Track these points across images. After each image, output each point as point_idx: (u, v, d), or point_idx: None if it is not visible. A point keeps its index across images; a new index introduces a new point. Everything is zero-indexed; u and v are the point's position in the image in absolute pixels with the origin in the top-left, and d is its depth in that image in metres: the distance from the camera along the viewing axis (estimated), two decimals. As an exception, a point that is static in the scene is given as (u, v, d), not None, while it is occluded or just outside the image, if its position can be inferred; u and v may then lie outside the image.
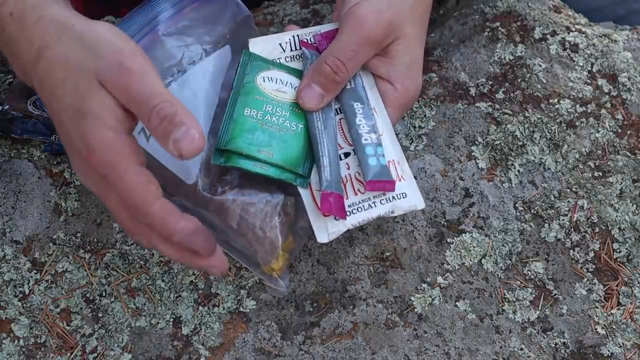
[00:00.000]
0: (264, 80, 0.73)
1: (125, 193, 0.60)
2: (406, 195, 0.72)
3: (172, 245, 0.63)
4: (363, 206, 0.71)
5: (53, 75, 0.62)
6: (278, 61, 0.75)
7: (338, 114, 0.74)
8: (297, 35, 0.76)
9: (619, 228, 0.82)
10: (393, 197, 0.71)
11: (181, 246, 0.62)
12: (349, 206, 0.70)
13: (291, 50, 0.76)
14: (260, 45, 0.75)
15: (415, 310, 0.78)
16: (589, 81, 0.89)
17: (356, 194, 0.71)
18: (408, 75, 0.75)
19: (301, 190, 0.71)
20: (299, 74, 0.74)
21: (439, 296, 0.78)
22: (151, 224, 0.61)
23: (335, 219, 0.69)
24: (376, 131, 0.72)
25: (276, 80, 0.73)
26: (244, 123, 0.71)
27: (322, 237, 0.70)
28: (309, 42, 0.76)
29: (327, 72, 0.72)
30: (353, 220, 0.70)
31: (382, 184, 0.70)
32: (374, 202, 0.71)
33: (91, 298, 0.76)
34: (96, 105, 0.61)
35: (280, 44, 0.75)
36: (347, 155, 0.72)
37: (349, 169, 0.72)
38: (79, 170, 0.64)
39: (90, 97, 0.61)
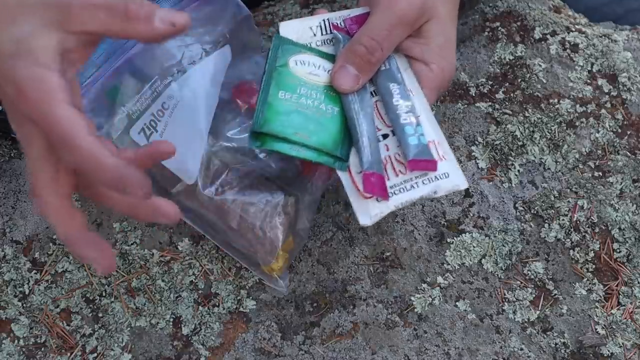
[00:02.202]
0: (297, 64, 0.72)
1: (52, 126, 0.55)
2: (448, 175, 0.70)
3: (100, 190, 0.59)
4: (405, 187, 0.68)
5: None
6: (309, 45, 0.74)
7: (373, 96, 0.72)
8: (328, 19, 0.75)
9: (619, 228, 0.82)
10: (435, 177, 0.69)
11: (112, 185, 0.56)
12: (391, 187, 0.68)
13: (322, 34, 0.74)
14: (290, 29, 0.74)
15: (415, 310, 0.78)
16: (589, 81, 0.89)
17: (397, 175, 0.69)
18: (443, 55, 0.74)
19: (340, 174, 0.69)
20: (331, 57, 0.73)
21: (439, 296, 0.78)
22: (78, 160, 0.55)
23: (377, 200, 0.68)
24: (414, 112, 0.71)
25: (309, 63, 0.72)
26: (278, 105, 0.69)
27: (365, 220, 0.67)
28: (340, 26, 0.75)
29: (362, 53, 0.70)
30: (396, 202, 0.68)
31: (424, 163, 0.68)
32: (416, 183, 0.69)
33: (91, 298, 0.76)
34: (35, 43, 0.57)
35: (310, 28, 0.74)
36: (385, 136, 0.71)
37: (388, 150, 0.70)
38: (11, 120, 0.59)
39: (33, 36, 0.57)
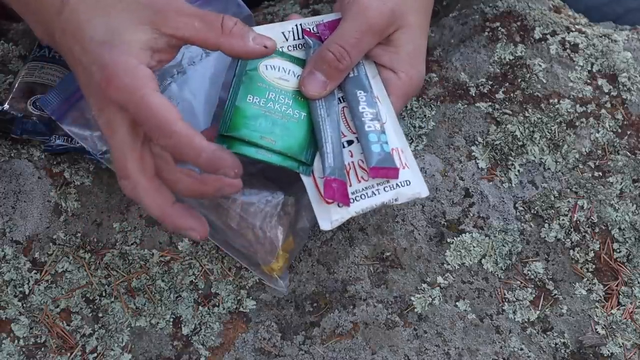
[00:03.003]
0: (267, 68, 0.73)
1: (148, 113, 0.59)
2: (410, 183, 0.71)
3: (187, 175, 0.64)
4: (366, 193, 0.70)
5: (77, 19, 0.62)
6: (280, 50, 0.75)
7: (341, 102, 0.74)
8: (300, 24, 0.76)
9: (619, 228, 0.82)
10: (397, 184, 0.71)
11: (208, 166, 0.61)
12: (352, 193, 0.70)
13: (294, 39, 0.75)
14: (263, 33, 0.75)
15: (415, 310, 0.78)
16: (589, 81, 0.89)
17: (359, 182, 0.70)
18: (411, 63, 0.75)
19: (304, 178, 0.71)
20: (301, 62, 0.74)
21: (439, 296, 0.78)
22: (175, 144, 0.60)
23: (339, 206, 0.69)
24: (379, 119, 0.72)
25: (279, 68, 0.73)
26: (246, 110, 0.70)
27: (325, 225, 0.69)
28: (312, 31, 0.75)
29: (330, 60, 0.71)
30: (357, 208, 0.69)
31: (386, 170, 0.70)
32: (377, 190, 0.70)
33: (91, 298, 0.76)
34: (130, 36, 0.61)
35: (282, 33, 0.75)
36: (350, 143, 0.72)
37: (352, 156, 0.71)
38: (92, 104, 0.63)
39: (127, 29, 0.61)
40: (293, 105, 0.72)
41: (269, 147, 0.69)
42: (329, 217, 0.69)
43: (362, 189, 0.70)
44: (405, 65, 0.75)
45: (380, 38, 0.74)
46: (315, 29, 0.75)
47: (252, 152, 0.69)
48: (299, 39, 0.75)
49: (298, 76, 0.73)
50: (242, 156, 0.70)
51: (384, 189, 0.71)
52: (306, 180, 0.71)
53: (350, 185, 0.70)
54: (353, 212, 0.69)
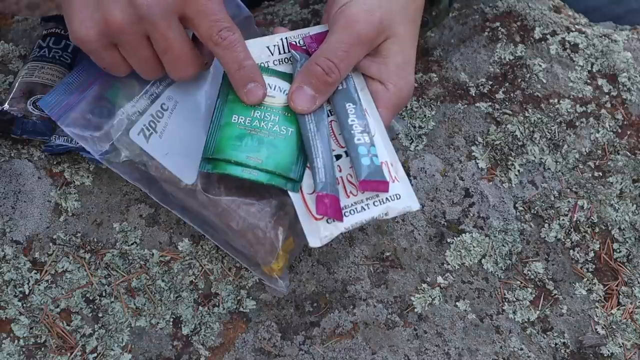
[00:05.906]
0: None
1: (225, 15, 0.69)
2: (400, 197, 0.70)
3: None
4: (356, 208, 0.69)
5: None
6: (266, 65, 0.73)
7: (329, 115, 0.72)
8: (286, 38, 0.74)
9: (619, 228, 0.82)
10: (387, 198, 0.70)
11: (242, 75, 0.70)
12: (342, 209, 0.69)
13: (279, 53, 0.74)
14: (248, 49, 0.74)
15: (415, 310, 0.78)
16: (589, 81, 0.89)
17: (349, 197, 0.69)
18: (400, 74, 0.74)
19: (292, 195, 0.70)
20: (288, 77, 0.73)
21: (439, 296, 0.78)
22: (237, 39, 0.70)
23: (328, 222, 0.68)
24: (369, 132, 0.71)
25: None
26: (231, 130, 0.70)
27: (314, 242, 0.68)
28: (298, 44, 0.74)
29: (318, 74, 0.70)
30: (346, 224, 0.68)
31: (376, 184, 0.69)
32: (367, 204, 0.69)
33: (91, 298, 0.76)
34: None
35: (268, 47, 0.74)
36: (338, 157, 0.71)
37: (340, 171, 0.70)
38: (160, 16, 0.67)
39: None
40: (280, 121, 0.71)
41: (256, 166, 0.69)
42: (318, 234, 0.68)
43: (352, 204, 0.69)
44: (393, 77, 0.73)
45: (369, 49, 0.72)
46: (301, 42, 0.74)
47: (239, 171, 0.69)
48: (284, 52, 0.74)
49: (285, 91, 0.72)
50: (229, 176, 0.70)
51: (374, 203, 0.69)
52: (294, 197, 0.70)
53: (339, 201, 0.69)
54: (342, 228, 0.68)
